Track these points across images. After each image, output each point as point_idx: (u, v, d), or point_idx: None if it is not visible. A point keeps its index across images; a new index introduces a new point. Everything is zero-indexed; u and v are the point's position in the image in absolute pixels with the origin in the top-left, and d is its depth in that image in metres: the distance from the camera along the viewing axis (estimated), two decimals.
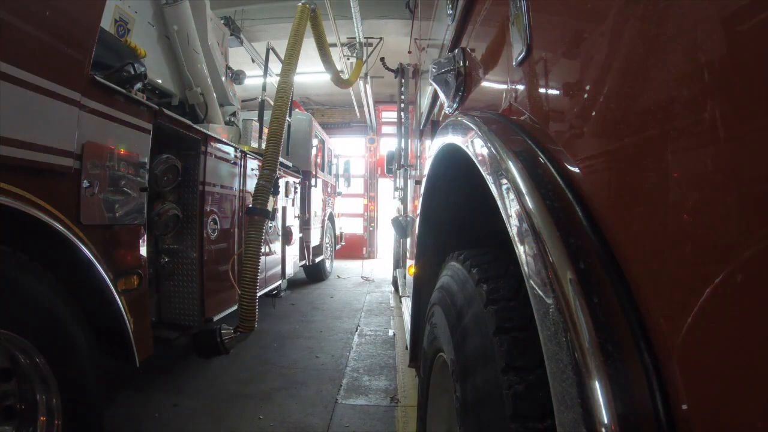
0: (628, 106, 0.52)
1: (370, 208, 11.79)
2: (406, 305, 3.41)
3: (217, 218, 3.00)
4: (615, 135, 0.55)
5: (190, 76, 3.75)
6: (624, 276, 0.50)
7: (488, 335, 0.73)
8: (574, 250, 0.53)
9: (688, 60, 0.42)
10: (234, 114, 4.45)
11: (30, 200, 1.45)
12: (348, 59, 7.03)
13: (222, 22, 4.73)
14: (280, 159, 3.13)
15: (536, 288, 0.55)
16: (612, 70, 0.55)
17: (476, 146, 0.85)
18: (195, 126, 2.78)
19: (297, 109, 6.30)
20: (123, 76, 2.25)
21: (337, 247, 8.21)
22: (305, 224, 5.71)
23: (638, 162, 0.49)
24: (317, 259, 6.50)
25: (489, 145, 0.78)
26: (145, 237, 2.17)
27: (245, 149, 3.62)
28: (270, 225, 3.87)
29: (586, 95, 0.62)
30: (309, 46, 3.77)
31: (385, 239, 11.11)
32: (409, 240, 3.57)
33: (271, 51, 4.71)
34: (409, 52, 4.70)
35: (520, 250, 0.60)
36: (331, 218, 7.49)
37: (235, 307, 3.04)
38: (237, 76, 4.61)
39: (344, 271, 8.51)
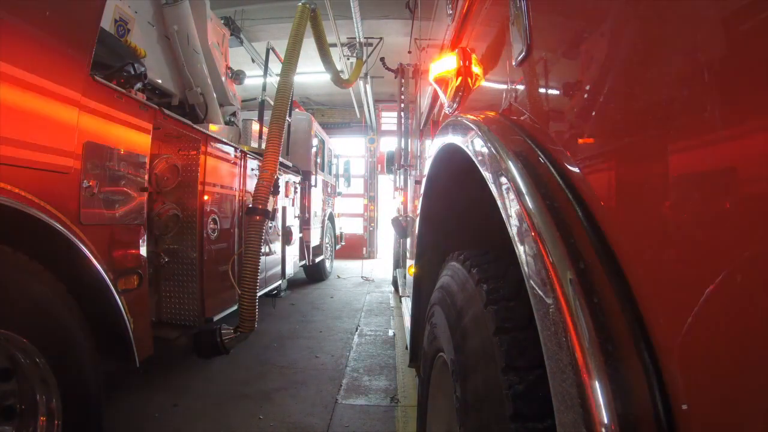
0: (628, 106, 0.52)
1: (370, 208, 11.79)
2: (406, 305, 3.40)
3: (217, 218, 3.00)
4: (615, 135, 0.55)
5: (190, 76, 3.75)
6: (624, 276, 0.50)
7: (488, 335, 0.73)
8: (574, 250, 0.53)
9: (688, 60, 0.42)
10: (234, 114, 4.46)
11: (30, 200, 1.45)
12: (348, 59, 7.03)
13: (222, 22, 4.73)
14: (280, 159, 3.13)
15: (536, 288, 0.55)
16: (612, 70, 0.55)
17: (476, 146, 0.85)
18: (195, 126, 2.78)
19: (297, 109, 6.30)
20: (123, 76, 2.25)
21: (337, 247, 8.21)
22: (305, 224, 5.71)
23: (638, 162, 0.49)
24: (317, 259, 6.50)
25: (489, 145, 0.78)
26: (145, 237, 2.17)
27: (245, 149, 3.62)
28: (270, 225, 3.87)
29: (585, 95, 0.62)
30: (309, 46, 3.77)
31: (385, 239, 11.11)
32: (409, 240, 3.57)
33: (271, 51, 4.71)
34: (409, 52, 4.70)
35: (520, 250, 0.60)
36: (331, 218, 7.49)
37: (235, 307, 3.04)
38: (237, 76, 4.61)
39: (344, 271, 8.51)
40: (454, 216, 1.44)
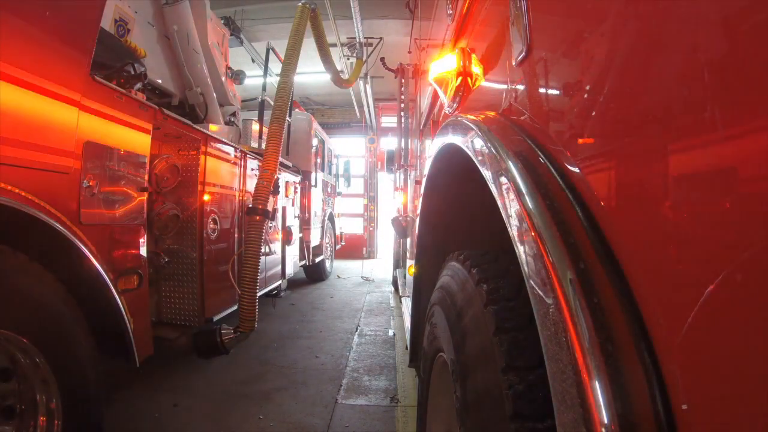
0: (627, 106, 0.52)
1: (370, 208, 11.78)
2: (406, 305, 3.40)
3: (217, 218, 3.00)
4: (615, 135, 0.55)
5: (190, 76, 3.75)
6: (624, 276, 0.50)
7: (488, 335, 0.73)
8: (574, 250, 0.53)
9: (688, 60, 0.42)
10: (234, 114, 4.45)
11: (30, 200, 1.45)
12: (348, 59, 7.03)
13: (222, 22, 4.73)
14: (280, 159, 3.13)
15: (536, 288, 0.55)
16: (612, 70, 0.55)
17: (476, 146, 0.85)
18: (195, 126, 2.78)
19: (297, 109, 6.30)
20: (123, 76, 2.25)
21: (337, 247, 8.21)
22: (305, 224, 5.71)
23: (638, 162, 0.49)
24: (317, 259, 6.50)
25: (489, 145, 0.78)
26: (145, 237, 2.17)
27: (245, 149, 3.62)
28: (270, 225, 3.87)
29: (585, 95, 0.62)
30: (309, 46, 3.77)
31: (385, 239, 11.11)
32: (409, 240, 3.57)
33: (271, 51, 4.71)
34: (409, 52, 4.70)
35: (520, 250, 0.60)
36: (331, 218, 7.49)
37: (235, 307, 3.04)
38: (237, 76, 4.61)
39: (344, 271, 8.50)
40: (454, 216, 1.44)
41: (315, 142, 6.31)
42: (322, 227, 6.77)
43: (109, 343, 1.89)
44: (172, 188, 2.66)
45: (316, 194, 6.27)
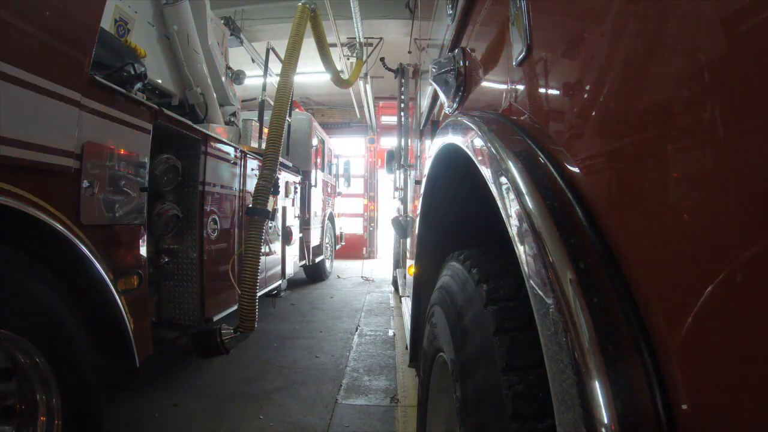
0: (628, 106, 0.52)
1: (370, 208, 11.78)
2: (406, 305, 3.41)
3: (217, 218, 3.00)
4: (615, 135, 0.55)
5: (190, 76, 3.75)
6: (624, 276, 0.50)
7: (488, 335, 0.73)
8: (574, 250, 0.53)
9: (688, 60, 0.42)
10: (234, 114, 4.45)
11: (30, 200, 1.45)
12: (348, 59, 7.02)
13: (222, 22, 4.73)
14: (280, 159, 3.13)
15: (536, 288, 0.55)
16: (612, 70, 0.55)
17: (476, 146, 0.85)
18: (195, 126, 2.78)
19: (297, 109, 6.30)
20: (123, 76, 2.25)
21: (337, 247, 8.21)
22: (305, 224, 5.71)
23: (638, 162, 0.49)
24: (317, 259, 6.50)
25: (489, 145, 0.78)
26: (145, 237, 2.17)
27: (245, 149, 3.62)
28: (270, 225, 3.87)
29: (586, 95, 0.62)
30: (309, 46, 3.77)
31: (385, 239, 11.11)
32: (409, 240, 3.57)
33: (271, 51, 4.71)
34: (409, 52, 4.70)
35: (520, 250, 0.60)
36: (331, 218, 7.49)
37: (235, 307, 3.04)
38: (237, 76, 4.61)
39: (344, 271, 8.51)
40: (454, 216, 1.44)
41: (315, 141, 6.31)
42: (322, 227, 6.77)
43: (109, 343, 1.89)
44: (172, 188, 2.66)
45: (316, 194, 6.27)
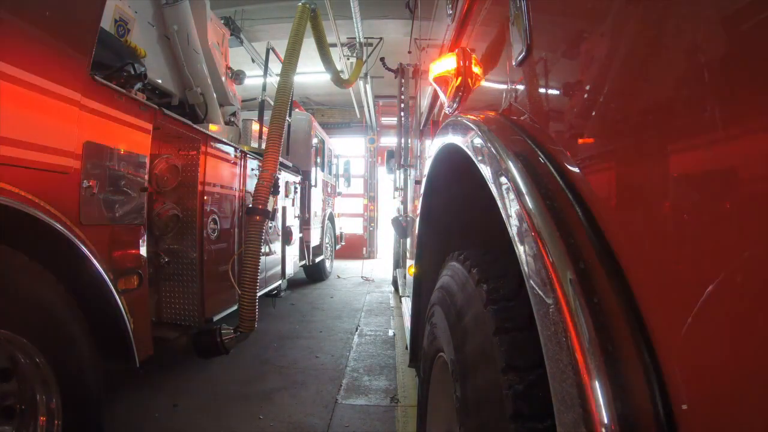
0: (628, 106, 0.52)
1: (370, 208, 11.78)
2: (406, 305, 3.40)
3: (217, 218, 3.00)
4: (615, 135, 0.55)
5: (190, 76, 3.75)
6: (624, 276, 0.50)
7: (488, 335, 0.73)
8: (574, 250, 0.53)
9: (687, 60, 0.42)
10: (234, 114, 4.45)
11: (30, 200, 1.45)
12: (348, 59, 7.02)
13: (222, 22, 4.73)
14: (280, 159, 3.13)
15: (536, 288, 0.55)
16: (612, 70, 0.55)
17: (476, 146, 0.85)
18: (195, 126, 2.77)
19: (297, 109, 6.30)
20: (123, 76, 2.25)
21: (337, 247, 8.20)
22: (305, 224, 5.71)
23: (638, 162, 0.49)
24: (317, 259, 6.50)
25: (489, 145, 0.78)
26: (145, 237, 2.17)
27: (245, 149, 3.62)
28: (270, 225, 3.86)
29: (585, 95, 0.62)
30: (309, 46, 3.77)
31: (385, 239, 11.11)
32: (409, 240, 3.57)
33: (271, 51, 4.71)
34: (409, 52, 4.70)
35: (520, 250, 0.60)
36: (331, 218, 7.49)
37: (235, 307, 3.04)
38: (237, 76, 4.61)
39: (344, 271, 8.50)
40: (454, 216, 1.44)
41: (315, 141, 6.30)
42: (322, 227, 6.77)
43: (109, 343, 1.89)
44: (172, 188, 2.66)
45: (316, 194, 6.26)
